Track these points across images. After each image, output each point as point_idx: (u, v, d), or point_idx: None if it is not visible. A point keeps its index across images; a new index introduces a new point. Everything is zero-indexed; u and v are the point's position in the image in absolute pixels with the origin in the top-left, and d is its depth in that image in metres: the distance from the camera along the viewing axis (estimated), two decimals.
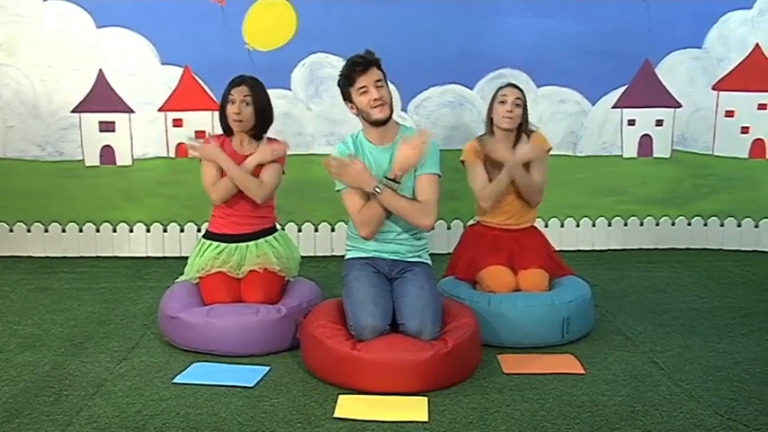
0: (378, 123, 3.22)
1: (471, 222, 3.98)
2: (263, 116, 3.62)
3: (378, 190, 3.14)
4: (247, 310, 3.37)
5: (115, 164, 5.12)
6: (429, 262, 3.40)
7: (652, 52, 5.17)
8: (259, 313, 3.35)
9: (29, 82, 5.01)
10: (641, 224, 5.38)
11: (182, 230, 5.19)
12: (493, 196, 3.68)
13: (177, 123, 5.08)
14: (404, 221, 3.26)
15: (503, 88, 3.74)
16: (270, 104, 3.66)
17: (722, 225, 5.39)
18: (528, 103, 3.76)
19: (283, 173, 3.67)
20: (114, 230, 5.19)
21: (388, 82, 3.25)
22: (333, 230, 5.21)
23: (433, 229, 3.25)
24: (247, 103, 3.55)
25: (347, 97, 3.24)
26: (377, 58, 3.20)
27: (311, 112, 5.10)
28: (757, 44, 5.19)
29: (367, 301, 3.08)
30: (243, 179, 3.52)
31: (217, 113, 3.71)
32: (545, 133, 3.88)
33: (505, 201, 3.73)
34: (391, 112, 3.25)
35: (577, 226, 5.35)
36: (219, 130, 3.70)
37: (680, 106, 5.26)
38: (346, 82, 3.20)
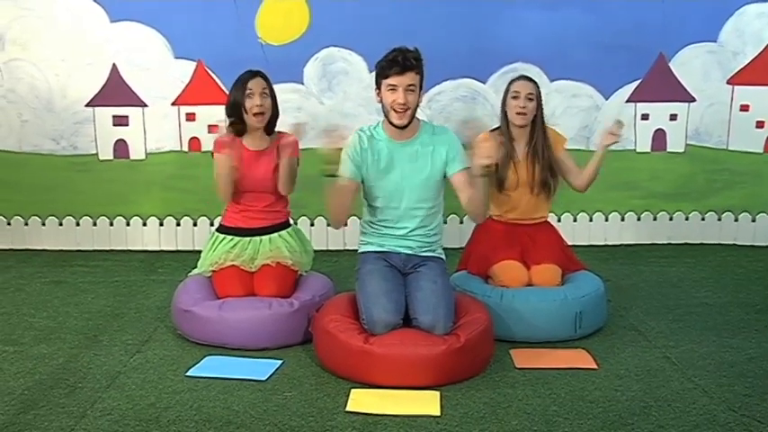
0: (394, 125, 3.21)
1: None
2: (277, 109, 3.64)
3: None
4: (260, 304, 3.38)
5: (129, 158, 5.15)
6: (443, 257, 3.40)
7: (666, 46, 5.14)
8: (272, 307, 3.36)
9: (43, 76, 5.04)
10: (654, 219, 5.36)
11: (195, 224, 5.21)
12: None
13: (190, 117, 5.09)
14: (419, 219, 3.27)
15: (515, 81, 3.72)
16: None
17: (736, 220, 5.36)
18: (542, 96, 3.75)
19: (297, 164, 3.68)
20: (128, 224, 5.22)
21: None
22: (345, 225, 5.19)
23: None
24: (265, 96, 3.55)
25: (378, 85, 3.20)
26: (417, 63, 3.12)
27: (324, 106, 5.10)
28: None
29: (380, 296, 3.08)
30: (291, 172, 3.58)
31: None
32: (558, 127, 3.87)
33: (517, 196, 3.72)
34: (411, 119, 3.20)
35: (590, 220, 5.34)
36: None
37: (694, 100, 5.23)
38: (380, 72, 3.16)
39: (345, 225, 3.44)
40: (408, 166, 3.24)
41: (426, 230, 3.31)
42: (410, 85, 3.12)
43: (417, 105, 3.21)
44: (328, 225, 5.21)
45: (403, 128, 3.20)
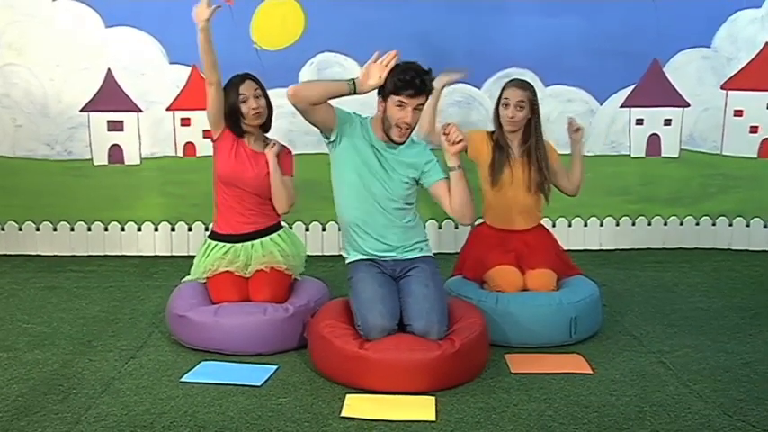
0: (392, 140, 3.22)
1: (478, 222, 3.97)
2: (271, 107, 3.64)
3: (457, 168, 3.14)
4: (255, 309, 3.38)
5: (123, 163, 5.14)
6: (431, 254, 3.39)
7: (660, 51, 5.15)
8: (267, 312, 3.36)
9: (38, 81, 5.03)
10: (649, 224, 5.37)
11: (189, 229, 5.20)
12: None
13: (185, 123, 5.09)
14: (392, 216, 3.27)
15: (507, 87, 3.71)
16: None
17: (731, 225, 5.38)
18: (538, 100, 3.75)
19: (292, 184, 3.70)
20: (122, 229, 5.21)
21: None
22: (340, 230, 5.19)
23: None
24: (258, 96, 3.55)
25: (385, 96, 3.18)
26: (429, 87, 3.14)
27: None
28: (766, 43, 5.17)
29: (375, 301, 3.08)
30: (285, 187, 3.57)
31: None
32: (553, 133, 3.87)
33: (513, 194, 3.71)
34: (408, 136, 3.24)
35: (585, 225, 5.34)
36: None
37: (688, 106, 5.25)
38: (392, 88, 3.13)
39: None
40: (382, 170, 3.25)
41: (403, 223, 3.29)
42: (419, 105, 3.15)
43: (417, 122, 3.23)
44: (323, 230, 5.22)
45: (399, 144, 3.23)
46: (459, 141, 3.10)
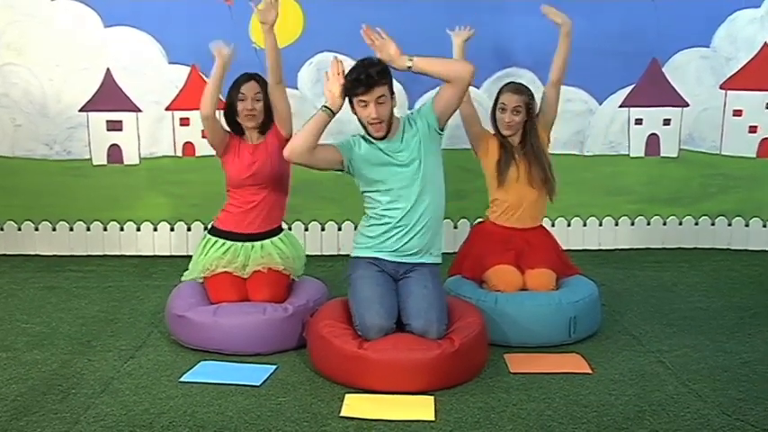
0: (374, 138, 3.22)
1: (479, 221, 3.97)
2: (271, 111, 3.65)
3: (410, 62, 3.14)
4: (254, 309, 3.38)
5: (122, 163, 5.14)
6: (436, 261, 3.36)
7: (659, 51, 5.15)
8: (266, 312, 3.36)
9: (37, 81, 5.03)
10: (648, 224, 5.37)
11: (189, 229, 5.20)
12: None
13: (184, 122, 5.09)
14: (424, 217, 3.24)
15: (503, 93, 3.74)
16: None
17: (730, 225, 5.38)
18: (536, 100, 3.77)
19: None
20: (122, 229, 5.21)
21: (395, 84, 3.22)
22: (340, 229, 5.21)
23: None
24: (258, 100, 3.57)
25: (350, 101, 3.20)
26: (380, 76, 3.12)
27: None
28: (765, 43, 5.17)
29: (373, 301, 3.08)
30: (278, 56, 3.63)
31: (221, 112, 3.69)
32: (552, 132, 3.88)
33: (520, 191, 3.71)
34: (389, 128, 3.21)
35: (584, 225, 5.34)
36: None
37: (687, 105, 5.24)
38: (347, 93, 3.16)
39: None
40: (401, 165, 3.23)
41: (428, 228, 3.26)
42: (380, 97, 3.14)
43: (392, 111, 3.22)
44: (323, 230, 5.21)
45: (383, 139, 3.23)
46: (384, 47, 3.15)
